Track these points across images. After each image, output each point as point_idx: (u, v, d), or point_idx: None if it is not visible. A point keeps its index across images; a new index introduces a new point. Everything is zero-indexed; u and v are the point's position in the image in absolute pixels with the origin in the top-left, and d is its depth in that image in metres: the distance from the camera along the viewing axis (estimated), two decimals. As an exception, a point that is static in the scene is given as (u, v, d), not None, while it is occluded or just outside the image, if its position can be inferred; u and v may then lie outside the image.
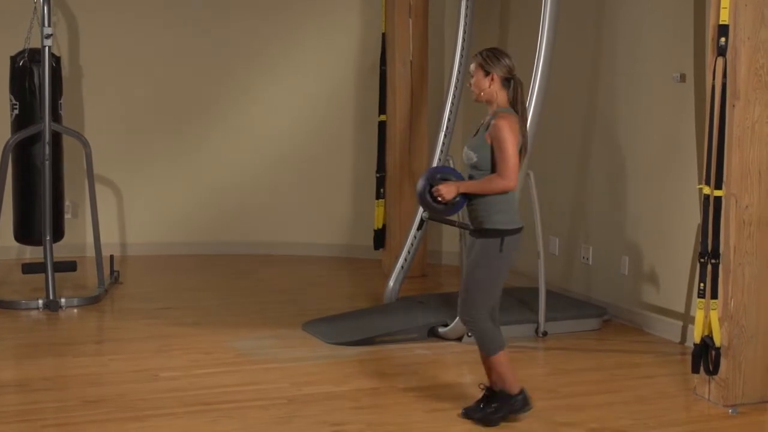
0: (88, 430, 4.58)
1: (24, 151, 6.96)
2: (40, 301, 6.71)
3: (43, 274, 6.80)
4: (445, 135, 7.11)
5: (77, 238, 8.16)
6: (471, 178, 4.58)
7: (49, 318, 6.58)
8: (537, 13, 6.14)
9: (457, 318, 6.00)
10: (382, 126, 8.07)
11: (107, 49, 8.45)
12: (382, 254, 8.16)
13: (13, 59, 7.00)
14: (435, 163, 7.08)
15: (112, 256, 7.53)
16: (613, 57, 6.81)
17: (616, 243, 6.76)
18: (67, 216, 7.84)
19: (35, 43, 6.91)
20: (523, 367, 5.55)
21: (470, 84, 4.64)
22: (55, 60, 7.01)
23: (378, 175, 8.06)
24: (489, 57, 4.55)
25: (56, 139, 6.99)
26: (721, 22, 4.83)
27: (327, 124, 8.74)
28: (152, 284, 7.66)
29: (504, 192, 4.50)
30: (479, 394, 4.79)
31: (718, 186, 4.90)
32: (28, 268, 7.05)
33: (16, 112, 6.95)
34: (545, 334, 6.25)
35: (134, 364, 5.58)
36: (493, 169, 4.50)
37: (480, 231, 4.56)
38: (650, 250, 6.48)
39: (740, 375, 4.99)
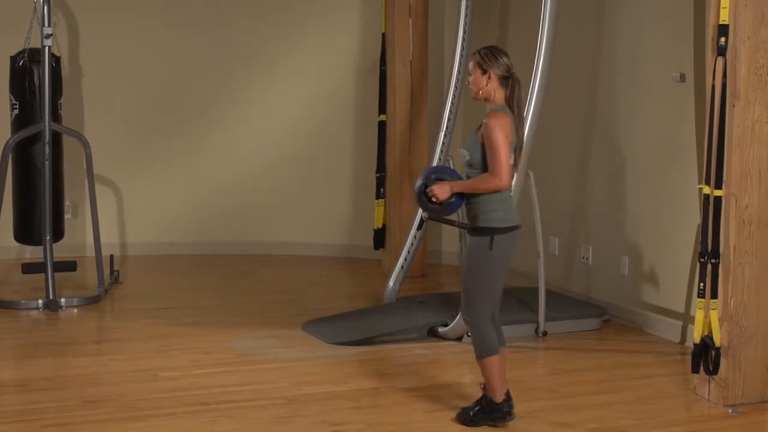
0: (88, 430, 4.58)
1: (24, 151, 6.96)
2: (40, 301, 6.71)
3: (43, 274, 6.80)
4: (445, 135, 7.12)
5: (77, 238, 8.16)
6: (468, 176, 4.59)
7: (49, 318, 6.58)
8: (537, 13, 6.14)
9: (457, 318, 6.01)
10: (382, 126, 8.07)
11: (107, 49, 8.45)
12: (382, 254, 8.16)
13: (13, 59, 7.00)
14: (435, 163, 7.08)
15: (112, 256, 7.53)
16: (613, 57, 6.81)
17: (616, 243, 6.76)
18: (67, 216, 7.84)
19: (35, 43, 6.91)
20: (523, 367, 5.55)
21: (468, 82, 4.65)
22: (55, 60, 7.01)
23: (378, 175, 8.06)
24: (487, 55, 4.55)
25: (56, 139, 6.99)
26: (721, 22, 4.83)
27: (327, 124, 8.74)
28: (152, 284, 7.66)
29: (496, 191, 4.49)
30: (479, 394, 4.79)
31: (718, 186, 4.90)
32: (28, 268, 7.05)
33: (16, 112, 6.95)
34: (545, 334, 6.25)
35: (134, 364, 5.58)
36: (486, 167, 4.50)
37: (473, 229, 4.57)
38: (650, 250, 6.48)
39: (740, 375, 4.99)
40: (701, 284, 4.95)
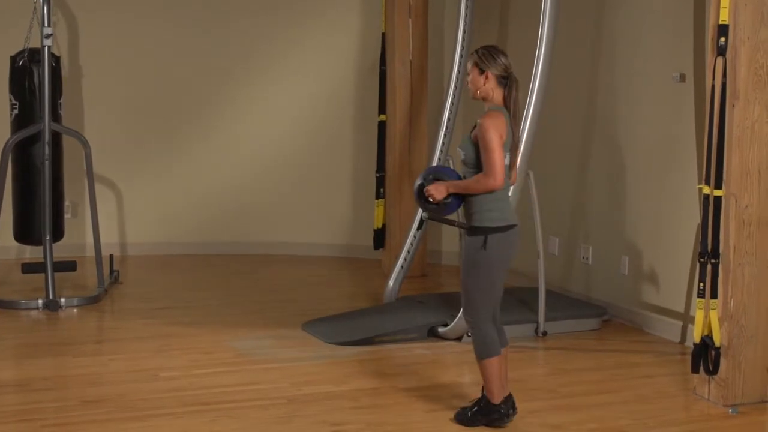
0: (88, 430, 4.58)
1: (24, 151, 6.96)
2: (40, 301, 6.71)
3: (42, 274, 6.80)
4: (444, 135, 7.12)
5: (77, 238, 8.16)
6: (464, 175, 4.59)
7: (48, 318, 6.58)
8: (537, 13, 6.14)
9: (457, 318, 6.01)
10: (382, 126, 8.07)
11: (107, 49, 8.45)
12: (382, 254, 8.16)
13: (13, 59, 7.00)
14: (435, 163, 7.08)
15: (111, 256, 7.53)
16: (612, 57, 6.81)
17: (615, 243, 6.76)
18: (67, 216, 7.84)
19: (35, 43, 6.91)
20: (523, 367, 5.55)
21: (467, 82, 4.65)
22: (55, 60, 7.01)
23: (378, 175, 8.06)
24: (484, 55, 4.55)
25: (56, 139, 6.99)
26: (720, 22, 4.83)
27: (327, 124, 8.75)
28: (152, 284, 7.66)
29: (491, 191, 4.49)
30: (478, 394, 4.79)
31: (718, 186, 4.90)
32: (28, 268, 7.05)
33: (16, 112, 6.95)
34: (545, 333, 6.25)
35: (134, 364, 5.58)
36: (481, 166, 4.49)
37: (468, 229, 4.56)
38: (650, 250, 6.48)
39: (740, 375, 4.99)
40: (701, 284, 4.95)
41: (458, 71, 7.08)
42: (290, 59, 8.70)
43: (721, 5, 4.81)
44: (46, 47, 6.80)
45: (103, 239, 7.26)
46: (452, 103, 7.12)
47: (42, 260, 6.87)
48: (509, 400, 4.65)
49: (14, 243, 7.36)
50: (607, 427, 4.72)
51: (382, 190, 8.05)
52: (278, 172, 8.76)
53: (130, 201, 8.64)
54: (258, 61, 8.70)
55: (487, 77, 4.53)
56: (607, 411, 4.94)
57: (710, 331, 4.94)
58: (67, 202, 7.85)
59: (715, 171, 4.92)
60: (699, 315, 4.97)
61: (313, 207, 8.80)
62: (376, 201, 8.06)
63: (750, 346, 5.00)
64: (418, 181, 4.64)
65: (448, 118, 7.13)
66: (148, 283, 7.68)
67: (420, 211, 6.79)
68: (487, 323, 4.58)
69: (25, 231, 7.06)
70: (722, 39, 4.84)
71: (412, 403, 5.01)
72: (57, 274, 6.87)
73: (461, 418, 4.68)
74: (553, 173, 7.22)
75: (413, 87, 7.92)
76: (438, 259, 8.46)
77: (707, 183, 4.96)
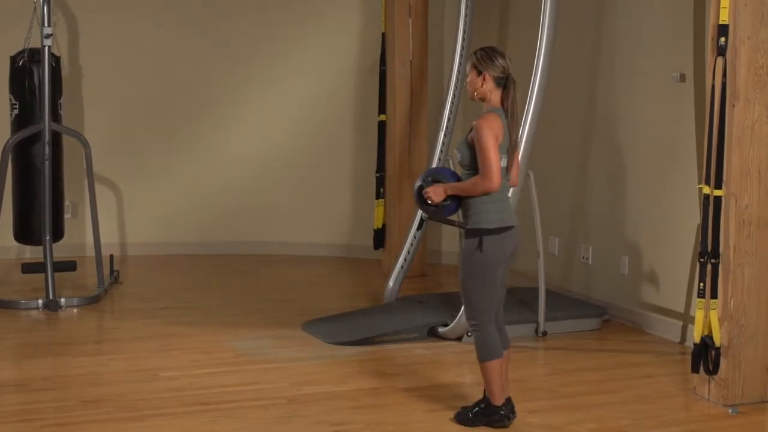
0: (88, 429, 4.58)
1: (24, 151, 6.96)
2: (40, 301, 6.71)
3: (42, 274, 6.80)
4: (444, 135, 7.12)
5: (77, 238, 8.16)
6: (462, 177, 4.59)
7: (48, 318, 6.58)
8: (537, 13, 6.14)
9: (457, 318, 6.01)
10: (382, 126, 8.07)
11: (107, 49, 8.45)
12: (382, 254, 8.16)
13: (13, 59, 7.00)
14: (434, 163, 7.09)
15: (111, 256, 7.53)
16: (612, 57, 6.81)
17: (616, 243, 6.76)
18: (67, 216, 7.84)
19: (35, 43, 6.91)
20: (523, 367, 5.55)
21: (466, 83, 4.66)
22: (55, 60, 7.01)
23: (378, 175, 8.06)
24: (483, 57, 4.54)
25: (56, 139, 6.99)
26: (720, 22, 4.83)
27: (327, 124, 8.75)
28: (152, 284, 7.66)
29: (488, 193, 4.48)
30: (479, 395, 4.79)
31: (718, 186, 4.90)
32: (28, 268, 7.05)
33: (16, 112, 6.95)
34: (545, 333, 6.25)
35: (134, 364, 5.58)
36: (477, 168, 4.49)
37: (466, 231, 4.57)
38: (650, 249, 6.48)
39: (740, 375, 4.99)
40: (701, 284, 4.95)
41: (458, 71, 7.09)
42: (290, 59, 8.70)
43: (721, 5, 4.81)
44: (46, 47, 6.80)
45: (103, 239, 7.26)
46: (452, 103, 7.13)
47: (42, 260, 6.87)
48: (509, 404, 4.65)
49: (14, 243, 7.36)
50: (607, 427, 4.72)
51: (382, 190, 8.05)
52: (278, 172, 8.76)
53: (130, 201, 8.64)
54: (258, 61, 8.70)
55: (484, 79, 4.53)
56: (607, 411, 4.94)
57: (710, 331, 4.94)
58: (67, 202, 7.85)
59: (715, 171, 4.92)
60: (699, 315, 4.97)
61: (313, 207, 8.80)
62: (376, 201, 8.06)
63: (750, 346, 5.00)
64: (418, 183, 4.65)
65: (448, 118, 7.13)
66: (148, 283, 7.68)
67: (420, 211, 6.79)
68: (488, 325, 4.58)
69: (25, 231, 7.06)
70: (722, 39, 4.84)
71: (412, 403, 5.01)
72: (57, 274, 6.87)
73: (461, 418, 4.68)
74: (553, 173, 7.22)
75: (413, 87, 7.92)
76: (438, 259, 8.46)
77: (707, 183, 4.96)
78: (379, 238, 8.08)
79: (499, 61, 4.52)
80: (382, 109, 8.06)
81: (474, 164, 4.48)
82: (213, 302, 7.06)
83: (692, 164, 6.07)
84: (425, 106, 7.98)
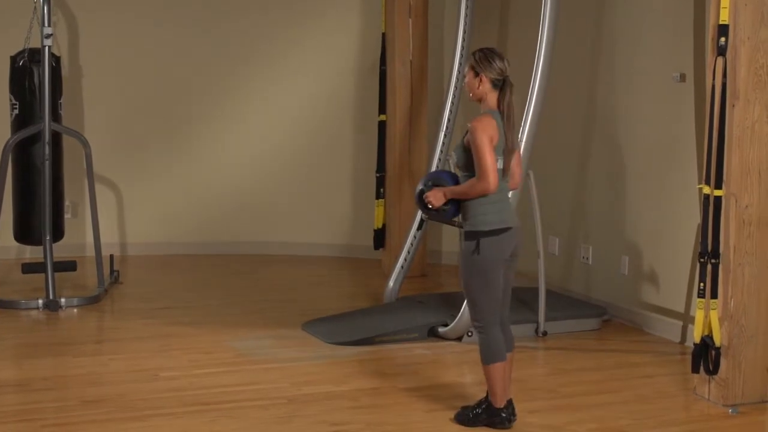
0: (88, 430, 4.58)
1: (24, 151, 6.96)
2: (40, 301, 6.71)
3: (43, 274, 6.80)
4: (445, 135, 7.12)
5: (77, 238, 8.16)
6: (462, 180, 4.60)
7: (49, 318, 6.58)
8: (537, 13, 6.14)
9: (457, 318, 6.01)
10: (382, 126, 8.07)
11: (107, 49, 8.46)
12: (382, 254, 8.16)
13: (13, 59, 7.00)
14: (434, 163, 7.09)
15: (111, 256, 7.53)
16: (612, 56, 6.81)
17: (616, 243, 6.76)
18: (67, 216, 7.84)
19: (35, 43, 6.91)
20: (523, 367, 5.54)
21: (464, 84, 4.66)
22: (55, 60, 7.01)
23: (378, 175, 8.06)
24: (480, 58, 4.52)
25: (56, 139, 6.99)
26: (721, 22, 4.83)
27: (327, 124, 8.75)
28: (152, 284, 7.66)
29: (485, 195, 4.47)
30: (479, 395, 4.79)
31: (718, 186, 4.90)
32: (28, 268, 7.05)
33: (16, 112, 6.95)
34: (545, 333, 6.25)
35: (134, 364, 5.58)
36: (474, 170, 4.49)
37: (464, 233, 4.57)
38: (650, 249, 6.48)
39: (740, 375, 4.99)
40: (701, 284, 4.95)
41: (458, 71, 7.09)
42: (290, 59, 8.70)
43: (721, 5, 4.81)
44: (46, 47, 6.80)
45: (103, 239, 7.26)
46: (452, 103, 7.13)
47: (42, 260, 6.87)
48: (510, 405, 4.65)
49: (14, 243, 7.36)
50: (607, 427, 4.72)
51: (382, 190, 8.04)
52: (278, 172, 8.76)
53: (130, 201, 8.64)
54: (258, 61, 8.70)
55: (481, 80, 4.52)
56: (607, 411, 4.94)
57: (710, 331, 4.94)
58: (67, 202, 7.85)
59: (715, 171, 4.92)
60: (699, 315, 4.97)
61: (313, 207, 8.80)
62: (376, 201, 8.06)
63: (750, 346, 5.00)
64: (419, 187, 4.67)
65: (448, 119, 7.14)
66: (148, 283, 7.68)
67: (420, 211, 6.79)
68: (493, 327, 4.57)
69: (25, 231, 7.06)
70: (722, 39, 4.84)
71: (412, 403, 5.01)
72: (57, 274, 6.87)
73: (462, 418, 4.68)
74: (553, 173, 7.22)
75: (413, 87, 7.92)
76: (438, 259, 8.46)
77: (707, 183, 4.96)
78: (379, 238, 8.08)
79: (497, 63, 4.51)
80: (382, 109, 8.06)
81: (471, 166, 4.48)
82: (213, 302, 7.06)
83: (692, 164, 6.06)
84: (425, 106, 7.98)
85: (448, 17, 8.20)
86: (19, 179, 7.03)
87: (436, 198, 4.55)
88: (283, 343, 6.02)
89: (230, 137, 8.74)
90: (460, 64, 7.09)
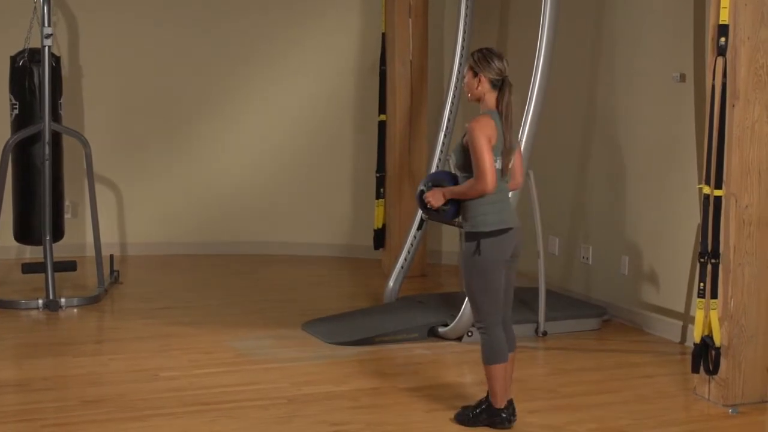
0: (88, 429, 4.58)
1: (24, 151, 6.96)
2: (40, 301, 6.71)
3: (43, 274, 6.80)
4: (445, 135, 7.12)
5: (77, 238, 8.16)
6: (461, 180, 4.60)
7: (49, 318, 6.58)
8: (537, 13, 6.14)
9: (457, 318, 6.01)
10: (382, 126, 8.07)
11: (107, 49, 8.45)
12: (382, 254, 8.16)
13: (13, 59, 7.00)
14: (434, 163, 7.09)
15: (111, 256, 7.53)
16: (612, 57, 6.81)
17: (616, 243, 6.76)
18: (67, 216, 7.84)
19: (35, 43, 6.91)
20: (523, 367, 5.54)
21: (463, 84, 4.66)
22: (55, 60, 7.01)
23: (378, 175, 8.05)
24: (479, 59, 4.52)
25: (56, 139, 6.99)
26: (721, 22, 4.83)
27: (327, 124, 8.75)
28: (152, 284, 7.66)
29: (483, 196, 4.47)
30: (480, 395, 4.79)
31: (718, 186, 4.90)
32: (28, 268, 7.05)
33: (16, 112, 6.95)
34: (545, 333, 6.26)
35: (134, 364, 5.58)
36: (472, 170, 4.49)
37: (464, 234, 4.57)
38: (650, 249, 6.48)
39: (740, 375, 4.99)
40: (701, 284, 4.95)
41: (458, 71, 7.09)
42: (290, 59, 8.70)
43: (721, 5, 4.81)
44: (46, 47, 6.80)
45: (103, 239, 7.26)
46: (452, 103, 7.13)
47: (42, 260, 6.87)
48: (510, 406, 4.65)
49: (14, 243, 7.36)
50: (607, 427, 4.72)
51: (382, 190, 8.04)
52: (278, 171, 8.76)
53: (130, 201, 8.64)
54: (258, 61, 8.70)
55: (480, 80, 4.52)
56: (607, 411, 4.94)
57: (710, 331, 4.94)
58: (67, 202, 7.85)
59: (715, 171, 4.92)
60: (699, 315, 4.97)
61: (313, 207, 8.80)
62: (376, 201, 8.06)
63: (750, 346, 5.00)
64: (420, 188, 4.68)
65: (448, 119, 7.14)
66: (148, 283, 7.68)
67: (420, 211, 6.79)
68: (496, 327, 4.56)
69: (25, 231, 7.06)
70: (722, 39, 4.84)
71: (412, 403, 5.01)
72: (57, 274, 6.87)
73: (462, 418, 4.68)
74: (553, 173, 7.22)
75: (413, 87, 7.92)
76: (438, 259, 8.46)
77: (707, 183, 4.96)
78: (380, 238, 8.08)
79: (496, 64, 4.50)
80: (382, 109, 8.06)
81: (469, 167, 4.48)
82: (213, 302, 7.06)
83: (692, 164, 6.06)
84: (425, 106, 7.98)
85: (448, 17, 8.20)
86: (19, 179, 7.03)
87: (435, 198, 4.56)
88: (283, 343, 6.02)
89: (230, 137, 8.74)
90: (460, 64, 7.09)
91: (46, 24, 6.80)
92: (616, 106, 6.78)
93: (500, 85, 4.51)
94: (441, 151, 7.09)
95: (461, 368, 5.70)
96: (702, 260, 4.97)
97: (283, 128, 8.76)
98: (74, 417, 4.71)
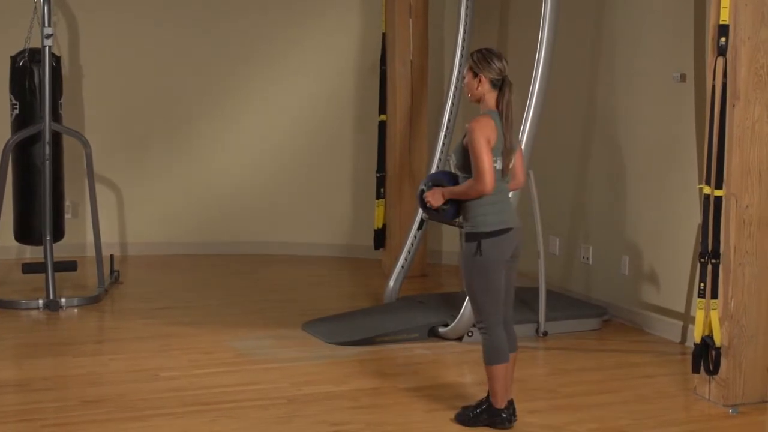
0: (88, 430, 4.58)
1: (24, 151, 6.96)
2: (41, 301, 6.71)
3: (43, 274, 6.80)
4: (445, 135, 7.12)
5: (77, 238, 8.16)
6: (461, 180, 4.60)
7: (49, 318, 6.58)
8: (537, 13, 6.14)
9: (458, 318, 6.01)
10: (382, 126, 8.07)
11: (107, 49, 8.45)
12: (382, 254, 8.16)
13: (14, 59, 7.00)
14: (435, 163, 7.09)
15: (112, 256, 7.53)
16: (612, 57, 6.81)
17: (616, 243, 6.76)
18: (68, 216, 7.84)
19: (35, 43, 6.91)
20: (523, 367, 5.54)
21: (463, 84, 4.65)
22: (55, 60, 7.01)
23: (378, 175, 8.05)
24: (479, 59, 4.52)
25: (56, 139, 6.99)
26: (721, 22, 4.83)
27: (327, 124, 8.74)
28: (152, 284, 7.66)
29: (481, 196, 4.47)
30: (480, 395, 4.79)
31: (719, 186, 4.90)
32: (29, 268, 7.05)
33: (16, 112, 6.95)
34: (545, 334, 6.25)
35: (134, 364, 5.58)
36: (471, 170, 4.49)
37: (464, 234, 4.56)
38: (650, 249, 6.48)
39: (740, 375, 4.99)
40: (701, 284, 4.95)
41: (458, 71, 7.08)
42: (290, 59, 8.70)
43: (722, 5, 4.81)
44: (47, 47, 6.80)
45: (103, 239, 7.26)
46: (452, 103, 7.13)
47: (42, 260, 6.87)
48: (510, 406, 4.65)
49: (14, 243, 7.36)
50: (607, 427, 4.72)
51: (382, 190, 8.04)
52: (278, 171, 8.76)
53: (130, 201, 8.64)
54: (258, 61, 8.70)
55: (480, 80, 4.52)
56: (608, 411, 4.94)
57: (711, 331, 4.94)
58: (67, 202, 7.85)
59: (715, 171, 4.92)
60: (699, 315, 4.97)
61: (313, 207, 8.80)
62: (377, 201, 8.06)
63: (750, 346, 5.00)
64: (420, 187, 4.69)
65: (449, 119, 7.14)
66: (148, 283, 7.68)
67: (420, 210, 6.79)
68: (496, 327, 4.56)
69: (26, 231, 7.06)
70: (722, 39, 4.84)
71: (413, 403, 5.01)
72: (57, 274, 6.87)
73: (462, 418, 4.68)
74: (554, 173, 7.22)
75: (413, 87, 7.92)
76: (438, 259, 8.46)
77: (708, 183, 4.96)
78: (380, 238, 8.08)
79: (496, 64, 4.50)
80: (382, 109, 8.06)
81: (469, 168, 4.48)
82: (213, 302, 7.06)
83: (692, 164, 6.06)
84: (425, 106, 7.98)
85: (448, 17, 8.19)
86: (19, 179, 7.03)
87: (434, 198, 4.56)
88: (283, 343, 6.02)
89: (230, 137, 8.73)
90: (460, 64, 7.09)
91: (46, 24, 6.80)
92: (616, 106, 6.78)
93: (500, 84, 4.51)
94: (441, 152, 7.09)
95: (461, 368, 5.70)
96: (702, 260, 4.96)
97: (283, 128, 8.76)
98: (74, 417, 4.71)
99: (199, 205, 8.71)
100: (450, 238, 8.27)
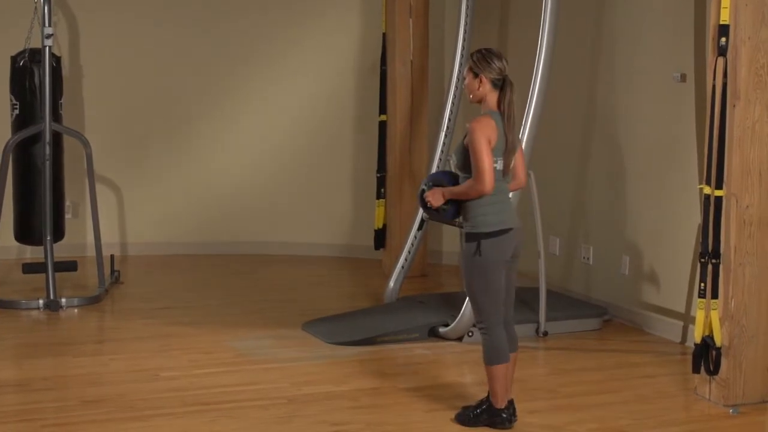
0: (88, 430, 4.58)
1: (24, 151, 6.96)
2: (41, 301, 6.71)
3: (43, 274, 6.80)
4: (445, 135, 7.12)
5: (78, 238, 8.16)
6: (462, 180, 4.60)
7: (49, 318, 6.58)
8: (537, 13, 6.14)
9: (458, 318, 6.01)
10: (382, 126, 8.07)
11: (107, 49, 8.45)
12: (383, 254, 8.16)
13: (14, 59, 7.00)
14: (435, 164, 7.09)
15: (112, 256, 7.53)
16: (613, 56, 6.81)
17: (616, 243, 6.76)
18: (68, 216, 7.84)
19: (35, 43, 6.91)
20: (523, 367, 5.54)
21: (464, 85, 4.65)
22: (56, 60, 7.01)
23: (378, 175, 8.05)
24: (479, 59, 4.52)
25: (57, 139, 6.99)
26: (721, 22, 4.83)
27: (327, 124, 8.74)
28: (152, 284, 7.66)
29: (481, 196, 4.47)
30: (480, 395, 4.79)
31: (719, 186, 4.90)
32: (29, 268, 7.05)
33: (17, 112, 6.95)
34: (546, 334, 6.25)
35: (134, 364, 5.58)
36: (471, 171, 4.49)
37: (464, 235, 4.56)
38: (650, 249, 6.48)
39: (741, 375, 4.99)
40: (702, 284, 4.95)
41: (458, 72, 7.09)
42: (290, 59, 8.70)
43: (722, 5, 4.81)
44: (47, 47, 6.80)
45: (103, 239, 7.25)
46: (453, 103, 7.13)
47: (43, 260, 6.87)
48: (510, 406, 4.65)
49: (15, 243, 7.36)
50: (607, 427, 4.72)
51: (382, 190, 8.04)
52: (278, 171, 8.76)
53: (130, 201, 8.64)
54: (258, 61, 8.70)
55: (481, 81, 4.51)
56: (608, 411, 4.94)
57: (711, 331, 4.94)
58: (67, 202, 7.84)
59: (715, 171, 4.92)
60: (700, 315, 4.97)
61: (313, 207, 8.80)
62: (377, 201, 8.06)
63: (751, 346, 5.00)
64: (421, 187, 4.69)
65: (449, 119, 7.13)
66: (148, 283, 7.68)
67: (420, 210, 6.79)
68: (497, 327, 4.57)
69: (26, 231, 7.06)
70: (723, 39, 4.84)
71: (413, 403, 5.01)
72: (57, 274, 6.87)
73: (462, 418, 4.68)
74: (554, 173, 7.22)
75: (414, 87, 7.92)
76: (438, 259, 8.46)
77: (708, 183, 4.96)
78: (380, 238, 8.08)
79: (496, 63, 4.50)
80: (382, 109, 8.06)
81: (469, 168, 4.48)
82: (213, 302, 7.06)
83: (692, 164, 6.06)
84: (426, 106, 7.98)
85: (448, 17, 8.20)
86: (19, 179, 7.03)
87: (434, 198, 4.56)
88: (283, 343, 6.02)
89: (230, 137, 8.73)
90: (460, 64, 7.09)
91: (46, 24, 6.80)
92: (616, 106, 6.78)
93: (501, 84, 4.51)
94: (442, 152, 7.09)
95: (461, 368, 5.70)
96: (703, 260, 4.96)
97: (283, 128, 8.76)
98: (74, 417, 4.71)
99: (199, 205, 8.71)
100: (450, 238, 8.27)
